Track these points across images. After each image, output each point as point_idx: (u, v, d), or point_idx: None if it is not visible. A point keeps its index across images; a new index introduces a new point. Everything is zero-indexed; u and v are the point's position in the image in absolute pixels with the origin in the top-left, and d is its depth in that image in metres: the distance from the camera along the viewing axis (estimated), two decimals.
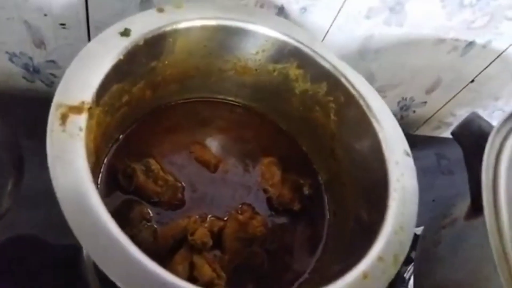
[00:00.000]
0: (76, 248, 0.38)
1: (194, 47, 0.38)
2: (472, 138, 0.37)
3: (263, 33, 0.39)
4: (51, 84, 0.50)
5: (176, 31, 0.35)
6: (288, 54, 0.40)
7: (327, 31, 0.49)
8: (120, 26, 0.33)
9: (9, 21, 0.42)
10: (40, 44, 0.45)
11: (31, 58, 0.46)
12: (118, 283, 0.24)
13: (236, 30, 0.38)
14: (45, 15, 0.41)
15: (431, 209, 0.42)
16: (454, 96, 0.65)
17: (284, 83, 0.42)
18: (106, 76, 0.31)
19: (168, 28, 0.35)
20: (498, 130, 0.35)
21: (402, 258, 0.30)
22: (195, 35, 0.37)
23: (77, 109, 0.27)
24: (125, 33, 0.32)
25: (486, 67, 0.59)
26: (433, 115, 0.69)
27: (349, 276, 0.28)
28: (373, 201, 0.34)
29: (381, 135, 0.35)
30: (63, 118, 0.27)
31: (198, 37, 0.38)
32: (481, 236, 0.35)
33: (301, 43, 0.39)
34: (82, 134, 0.27)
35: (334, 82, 0.39)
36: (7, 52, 0.45)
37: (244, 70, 0.42)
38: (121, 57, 0.32)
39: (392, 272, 0.29)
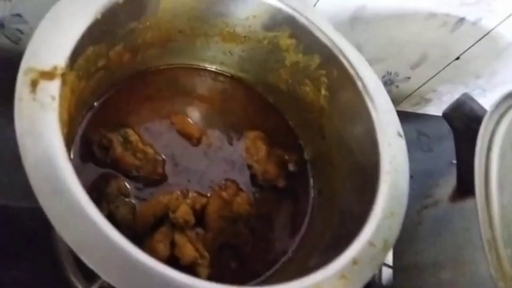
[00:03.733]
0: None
1: (179, 9, 0.35)
2: (464, 120, 0.37)
3: None
4: (18, 41, 0.45)
5: None
6: (281, 22, 0.37)
7: None
8: None
9: None
10: None
11: None
12: (93, 268, 0.22)
13: None
14: None
15: (410, 186, 0.42)
16: (438, 73, 0.64)
17: (274, 53, 0.40)
18: (81, 37, 0.27)
19: None
20: (491, 114, 0.34)
21: (392, 243, 0.29)
22: None
23: (49, 75, 0.24)
24: None
25: (473, 45, 0.59)
26: (415, 91, 0.68)
27: (339, 262, 0.27)
28: (363, 183, 0.33)
29: (374, 116, 0.34)
30: (33, 84, 0.23)
31: None
32: (467, 219, 0.35)
33: (296, 11, 0.36)
34: (55, 104, 0.24)
35: (328, 55, 0.37)
36: None
37: (232, 37, 0.39)
38: (99, 16, 0.28)
39: (382, 258, 0.28)
